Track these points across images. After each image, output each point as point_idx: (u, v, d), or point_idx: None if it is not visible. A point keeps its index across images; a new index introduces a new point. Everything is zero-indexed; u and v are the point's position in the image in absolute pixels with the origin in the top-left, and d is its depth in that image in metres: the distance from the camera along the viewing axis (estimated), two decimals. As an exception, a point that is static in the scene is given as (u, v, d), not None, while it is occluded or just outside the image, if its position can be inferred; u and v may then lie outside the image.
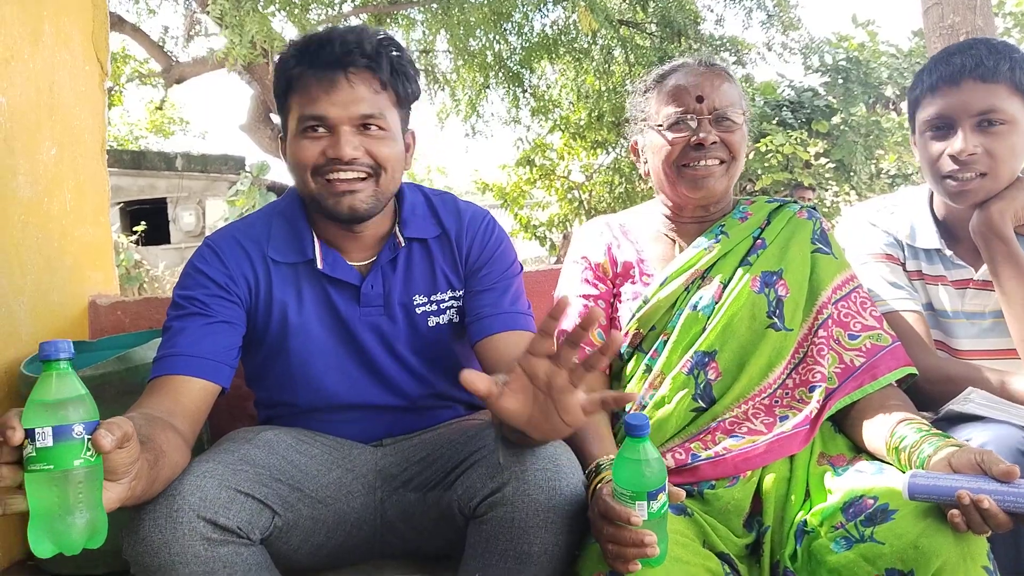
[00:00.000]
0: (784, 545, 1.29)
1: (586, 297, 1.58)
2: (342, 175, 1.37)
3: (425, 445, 1.49)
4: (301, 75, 1.36)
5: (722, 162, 1.49)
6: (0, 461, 0.90)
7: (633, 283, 1.56)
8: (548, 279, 2.17)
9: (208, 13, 9.15)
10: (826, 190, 11.90)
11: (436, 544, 1.45)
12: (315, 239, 1.48)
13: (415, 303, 1.51)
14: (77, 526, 0.90)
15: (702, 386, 1.44)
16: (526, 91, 12.33)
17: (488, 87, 12.18)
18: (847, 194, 12.15)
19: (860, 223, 1.74)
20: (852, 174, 11.33)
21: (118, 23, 10.27)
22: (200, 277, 1.43)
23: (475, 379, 1.04)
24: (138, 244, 9.33)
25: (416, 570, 1.52)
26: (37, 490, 0.89)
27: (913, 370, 1.46)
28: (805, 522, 1.28)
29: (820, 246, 1.54)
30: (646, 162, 1.61)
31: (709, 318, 1.46)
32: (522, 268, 1.60)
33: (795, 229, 1.54)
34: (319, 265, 1.46)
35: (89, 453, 0.91)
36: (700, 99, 1.48)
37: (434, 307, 1.52)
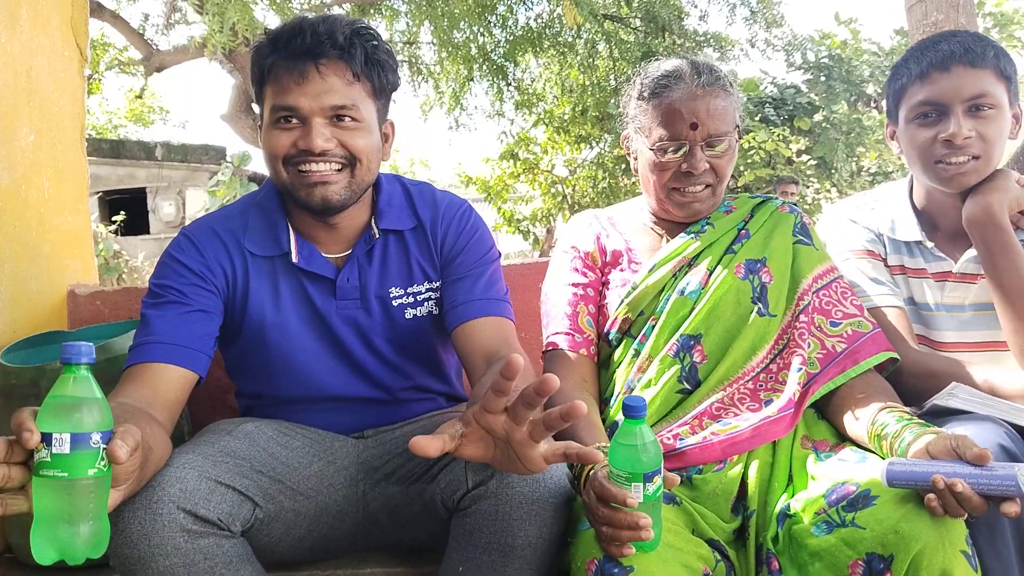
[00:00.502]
0: (767, 528, 1.32)
1: (575, 285, 1.60)
2: (314, 166, 1.36)
3: (407, 437, 1.48)
4: (273, 65, 1.35)
5: (708, 186, 1.53)
6: (10, 460, 0.88)
7: (622, 271, 1.59)
8: (532, 272, 2.16)
9: (188, 0, 9.06)
10: (807, 187, 11.98)
11: (419, 537, 1.45)
12: (291, 231, 1.47)
13: (391, 295, 1.50)
14: (83, 535, 0.88)
15: (687, 368, 1.46)
16: (510, 84, 12.31)
17: (472, 80, 12.14)
18: (828, 191, 12.24)
19: (841, 220, 1.76)
20: (833, 171, 11.41)
21: (97, 9, 10.12)
22: (176, 266, 1.42)
23: (425, 445, 1.00)
24: (117, 234, 9.23)
25: (399, 563, 1.52)
26: (45, 495, 0.87)
27: (894, 354, 1.48)
28: (788, 506, 1.30)
29: (801, 237, 1.58)
30: (636, 159, 1.62)
31: (696, 302, 1.49)
32: (499, 255, 1.60)
33: (778, 221, 1.59)
34: (294, 259, 1.45)
35: (103, 463, 0.89)
36: (694, 126, 1.47)
37: (411, 299, 1.52)
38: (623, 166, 11.81)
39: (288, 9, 9.22)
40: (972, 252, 1.60)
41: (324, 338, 1.49)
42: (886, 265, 1.69)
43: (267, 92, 1.38)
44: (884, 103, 1.72)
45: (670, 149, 1.50)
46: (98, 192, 12.35)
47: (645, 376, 1.48)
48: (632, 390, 1.49)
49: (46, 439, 0.86)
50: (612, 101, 10.59)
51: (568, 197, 12.93)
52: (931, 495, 1.11)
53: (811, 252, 1.56)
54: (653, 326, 1.51)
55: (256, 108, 1.49)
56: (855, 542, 1.15)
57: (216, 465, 1.25)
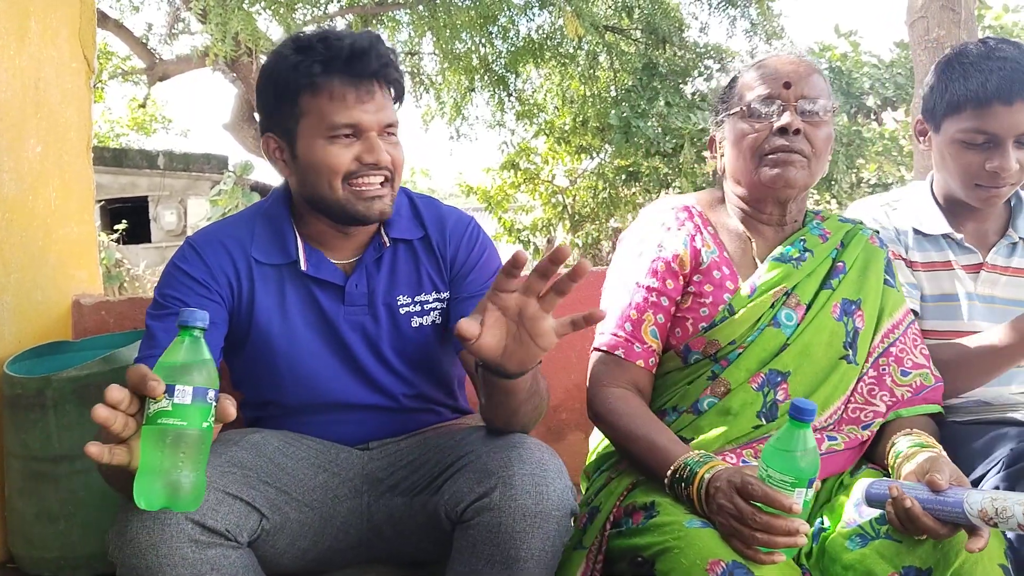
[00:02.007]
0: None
1: (650, 290, 1.46)
2: (372, 178, 1.39)
3: (412, 449, 1.48)
4: (329, 81, 1.35)
5: (803, 155, 1.42)
6: (127, 411, 0.91)
7: (716, 286, 1.46)
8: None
9: (191, 9, 9.10)
10: (808, 198, 11.97)
11: (423, 549, 1.44)
12: (298, 239, 1.47)
13: (399, 303, 1.51)
14: (190, 484, 0.94)
15: (768, 405, 1.40)
16: (511, 95, 12.35)
17: (473, 90, 12.19)
18: (827, 203, 12.25)
19: (863, 220, 1.75)
20: (833, 183, 11.42)
21: (101, 19, 10.15)
22: (181, 276, 1.42)
23: (467, 325, 1.06)
24: (119, 243, 9.24)
25: (402, 575, 1.52)
26: (159, 444, 0.92)
27: (940, 409, 1.47)
28: (822, 520, 1.29)
29: (887, 278, 1.52)
30: (722, 155, 1.54)
31: (789, 338, 1.42)
32: None
33: (870, 256, 1.51)
34: (303, 267, 1.45)
35: (212, 418, 0.95)
36: (787, 85, 1.41)
37: (417, 308, 1.52)
38: (623, 176, 11.83)
39: (292, 21, 9.26)
40: (1001, 245, 1.65)
41: (331, 344, 1.49)
42: (908, 264, 1.68)
43: (312, 107, 1.37)
44: (924, 95, 1.67)
45: (763, 107, 1.43)
46: (100, 201, 12.33)
47: (722, 403, 1.40)
48: (701, 412, 1.41)
49: (169, 390, 0.92)
50: (613, 112, 10.61)
51: (568, 207, 12.95)
52: (888, 505, 1.14)
53: (895, 295, 1.50)
54: (739, 353, 1.42)
55: (258, 118, 1.49)
56: (891, 555, 1.14)
57: (224, 476, 1.25)
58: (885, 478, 1.21)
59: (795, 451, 1.06)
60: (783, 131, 1.40)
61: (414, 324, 1.52)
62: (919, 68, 4.67)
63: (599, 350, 1.47)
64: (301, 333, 1.48)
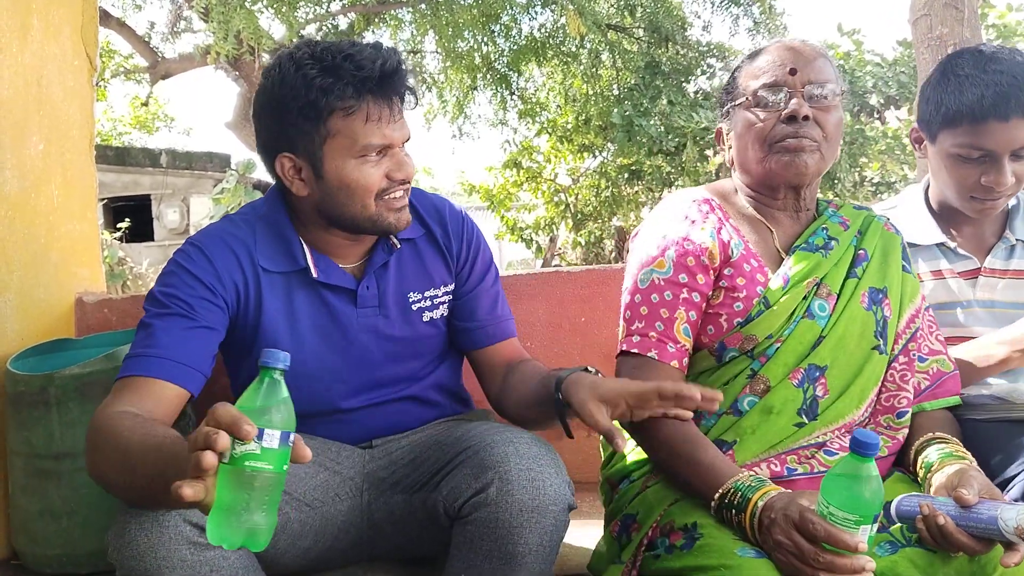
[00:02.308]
0: None
1: (681, 286, 1.40)
2: (400, 192, 1.41)
3: (413, 447, 1.48)
4: (362, 104, 1.33)
5: (814, 140, 1.38)
6: (214, 448, 0.89)
7: (747, 279, 1.41)
8: (538, 282, 2.17)
9: (193, 8, 9.11)
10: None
11: (423, 546, 1.45)
12: (304, 246, 1.46)
13: (411, 300, 1.52)
14: (268, 524, 0.94)
15: (808, 401, 1.36)
16: (513, 93, 12.36)
17: (476, 89, 12.20)
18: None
19: None
20: (836, 181, 11.41)
21: (103, 17, 10.18)
22: (186, 276, 1.39)
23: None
24: (122, 241, 9.25)
25: (403, 573, 1.52)
26: (242, 486, 0.92)
27: (959, 401, 1.46)
28: None
29: (905, 264, 1.49)
30: (730, 147, 1.51)
31: (824, 330, 1.38)
32: (497, 269, 1.66)
33: (888, 243, 1.49)
34: (314, 274, 1.44)
35: (289, 460, 0.95)
36: (793, 71, 1.38)
37: (428, 303, 1.54)
38: (626, 175, 11.82)
39: (294, 19, 9.26)
40: (998, 248, 1.65)
41: (342, 348, 1.49)
42: None
43: (347, 129, 1.34)
44: (919, 104, 1.67)
45: (769, 95, 1.40)
46: (103, 199, 12.37)
47: (764, 401, 1.35)
48: (742, 413, 1.36)
49: (258, 434, 0.91)
50: (615, 110, 10.61)
51: (571, 206, 12.95)
52: (919, 522, 1.12)
53: (913, 282, 1.47)
54: (777, 348, 1.36)
55: (261, 135, 1.43)
56: (924, 564, 1.12)
57: None
58: (915, 494, 1.18)
59: (859, 486, 1.01)
60: (792, 119, 1.37)
61: (425, 319, 1.54)
62: (922, 66, 4.66)
63: (629, 353, 1.39)
64: (308, 339, 1.47)
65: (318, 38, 6.74)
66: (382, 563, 1.54)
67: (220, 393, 1.49)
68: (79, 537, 1.71)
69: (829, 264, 1.41)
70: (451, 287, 1.57)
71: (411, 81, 1.40)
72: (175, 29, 11.22)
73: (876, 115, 13.11)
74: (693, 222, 1.44)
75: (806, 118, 1.36)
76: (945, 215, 1.70)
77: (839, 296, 1.40)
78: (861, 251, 1.44)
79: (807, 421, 1.34)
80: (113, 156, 13.12)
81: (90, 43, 2.32)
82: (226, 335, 1.43)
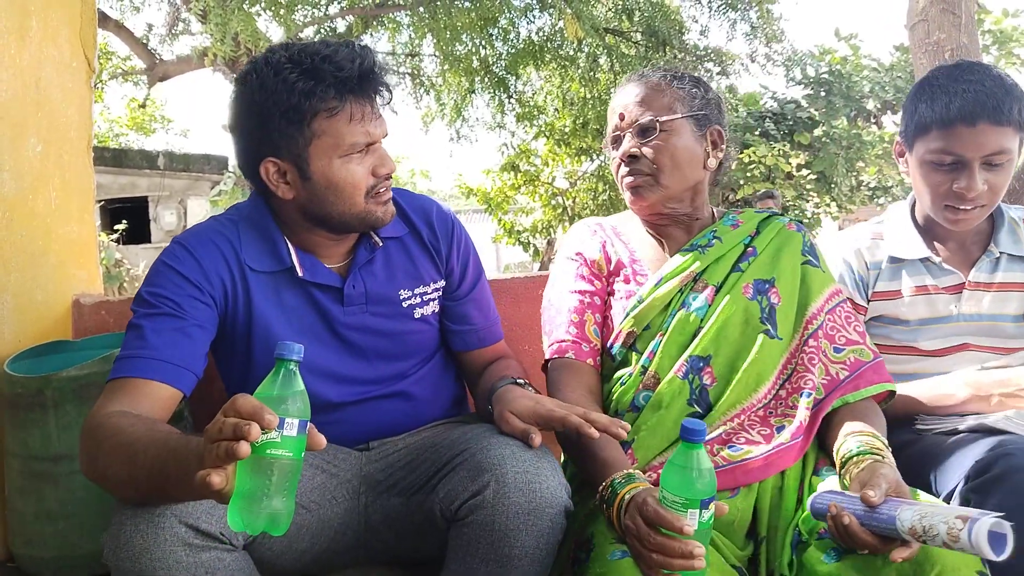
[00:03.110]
0: (780, 555, 1.29)
1: (582, 293, 1.56)
2: (385, 186, 1.43)
3: (410, 450, 1.48)
4: (344, 105, 1.35)
5: (646, 174, 1.52)
6: (248, 437, 0.91)
7: (627, 282, 1.56)
8: (536, 285, 2.17)
9: (191, 10, 9.11)
10: (807, 201, 12.00)
11: (420, 549, 1.44)
12: (289, 246, 1.47)
13: (401, 297, 1.53)
14: (288, 510, 0.98)
15: (697, 391, 1.42)
16: (511, 97, 12.36)
17: (473, 92, 12.20)
18: (827, 205, 12.27)
19: (834, 257, 1.77)
20: (833, 186, 11.44)
21: (101, 19, 10.12)
22: (173, 275, 1.38)
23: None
24: (119, 243, 9.23)
25: (400, 575, 1.52)
26: (263, 473, 0.96)
27: (893, 386, 1.48)
28: (799, 532, 1.29)
29: (810, 258, 1.55)
30: None
31: (703, 321, 1.46)
32: (483, 270, 1.69)
33: (785, 240, 1.55)
34: (300, 273, 1.45)
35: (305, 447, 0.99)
36: (622, 116, 1.54)
37: (418, 299, 1.55)
38: (623, 179, 11.83)
39: (292, 22, 9.26)
40: (983, 261, 1.66)
41: (332, 346, 1.50)
42: (867, 302, 1.72)
43: (331, 129, 1.35)
44: (901, 118, 1.72)
45: (613, 143, 1.58)
46: (100, 201, 12.31)
47: (654, 396, 1.43)
48: (640, 409, 1.44)
49: (279, 423, 0.95)
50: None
51: (568, 209, 12.96)
52: (829, 519, 1.15)
53: (818, 274, 1.53)
54: (660, 342, 1.46)
55: (240, 142, 1.43)
56: (867, 569, 1.13)
57: None
58: (830, 490, 1.22)
59: (687, 471, 1.05)
60: (624, 160, 1.54)
61: (417, 315, 1.55)
62: (919, 71, 4.66)
63: (550, 359, 1.54)
64: (299, 338, 1.46)
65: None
66: (379, 566, 1.54)
67: (217, 396, 1.50)
68: (75, 539, 1.70)
69: (709, 260, 1.51)
70: (441, 284, 1.59)
71: (386, 78, 1.42)
72: (173, 31, 11.21)
73: (873, 120, 13.16)
74: (586, 239, 1.64)
75: (632, 157, 1.52)
76: (931, 230, 1.71)
77: (720, 289, 1.48)
78: (751, 248, 1.54)
79: (702, 411, 1.42)
80: (110, 158, 13.09)
81: (88, 45, 2.32)
82: (217, 334, 1.43)
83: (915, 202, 1.75)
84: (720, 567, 1.21)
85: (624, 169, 1.55)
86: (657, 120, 1.50)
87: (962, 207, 1.58)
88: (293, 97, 1.33)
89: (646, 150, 1.51)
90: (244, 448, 0.90)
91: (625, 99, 1.55)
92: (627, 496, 1.18)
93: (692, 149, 1.53)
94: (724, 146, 1.60)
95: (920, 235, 1.70)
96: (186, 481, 0.99)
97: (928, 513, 1.04)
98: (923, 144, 1.60)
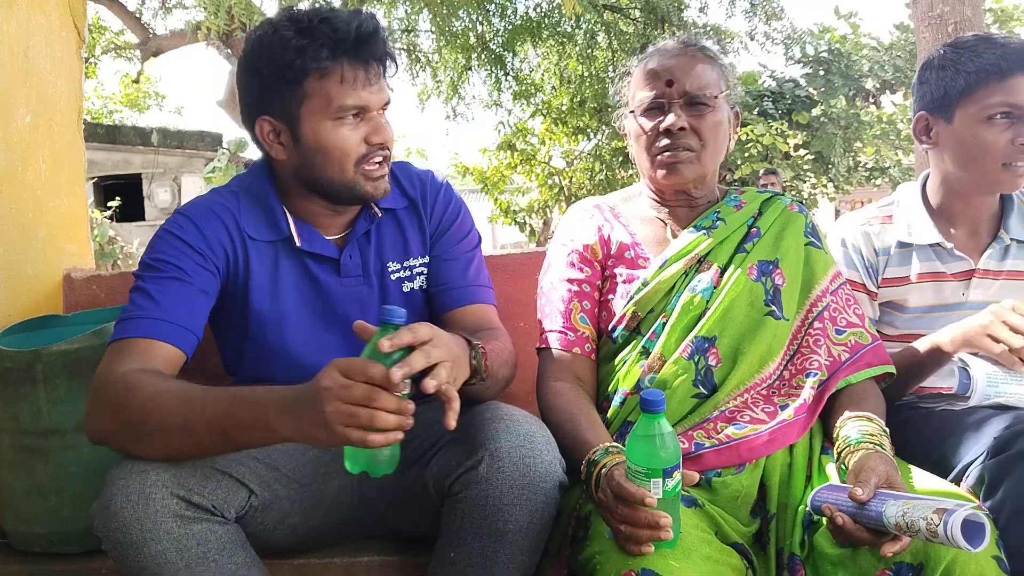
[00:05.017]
0: (791, 533, 1.29)
1: (570, 281, 1.55)
2: (378, 159, 1.41)
3: None
4: (337, 65, 1.34)
5: (691, 150, 1.47)
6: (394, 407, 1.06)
7: (629, 266, 1.53)
8: (532, 262, 2.15)
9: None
10: (804, 182, 11.98)
11: (414, 524, 1.45)
12: (288, 216, 1.46)
13: (390, 270, 1.53)
14: (396, 451, 1.13)
15: (702, 372, 1.42)
16: (508, 74, 12.28)
17: (470, 69, 12.11)
18: (824, 186, 12.24)
19: (835, 241, 1.74)
20: (830, 166, 11.41)
21: (93, -7, 10.06)
22: (176, 242, 1.39)
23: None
24: (112, 220, 9.17)
25: (393, 551, 1.52)
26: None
27: (892, 368, 1.48)
28: (809, 513, 1.28)
29: (812, 240, 1.54)
30: (631, 146, 1.61)
31: (708, 302, 1.45)
32: (480, 239, 1.63)
33: (788, 220, 1.54)
34: (297, 242, 1.45)
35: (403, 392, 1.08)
36: (670, 83, 1.46)
37: (407, 273, 1.54)
38: (620, 158, 11.79)
39: (286, -6, 9.16)
40: (992, 249, 1.62)
41: (326, 317, 1.49)
42: (884, 282, 1.69)
43: (322, 90, 1.34)
44: (919, 92, 1.66)
45: (649, 108, 1.49)
46: (93, 178, 12.27)
47: (659, 377, 1.43)
48: (643, 390, 1.41)
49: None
50: (611, 92, 10.56)
51: (565, 189, 12.91)
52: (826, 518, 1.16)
53: (822, 256, 1.53)
54: (664, 324, 1.46)
55: (242, 99, 1.43)
56: (877, 552, 1.13)
57: None
58: (831, 484, 1.24)
59: (648, 442, 1.06)
60: (669, 132, 1.46)
61: (405, 289, 1.54)
62: (922, 46, 4.63)
63: (540, 349, 1.55)
64: (293, 308, 1.47)
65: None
66: (373, 541, 1.54)
67: (211, 370, 1.48)
68: (67, 515, 1.69)
69: (714, 241, 1.49)
70: (427, 259, 1.57)
71: (390, 46, 1.40)
72: (166, 4, 11.09)
73: (871, 99, 13.11)
74: (580, 224, 1.60)
75: (682, 129, 1.45)
76: (943, 214, 1.68)
77: (725, 270, 1.47)
78: (755, 229, 1.52)
79: (707, 392, 1.42)
80: (104, 134, 12.97)
81: (77, 14, 2.28)
82: (216, 302, 1.43)
83: (926, 184, 1.71)
84: (713, 544, 1.20)
85: (664, 141, 1.47)
86: (712, 94, 1.46)
87: (1022, 163, 1.52)
88: (287, 55, 1.33)
89: (695, 122, 1.46)
90: (376, 438, 1.05)
91: (676, 64, 1.47)
92: (602, 470, 1.19)
93: (727, 128, 1.52)
94: (739, 126, 1.59)
95: (932, 219, 1.66)
96: (260, 426, 1.11)
97: (910, 508, 1.05)
98: (974, 103, 1.54)
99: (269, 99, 1.38)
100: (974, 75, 1.52)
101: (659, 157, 1.49)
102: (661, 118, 1.47)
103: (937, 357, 1.52)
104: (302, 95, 1.35)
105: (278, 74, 1.35)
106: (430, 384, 1.10)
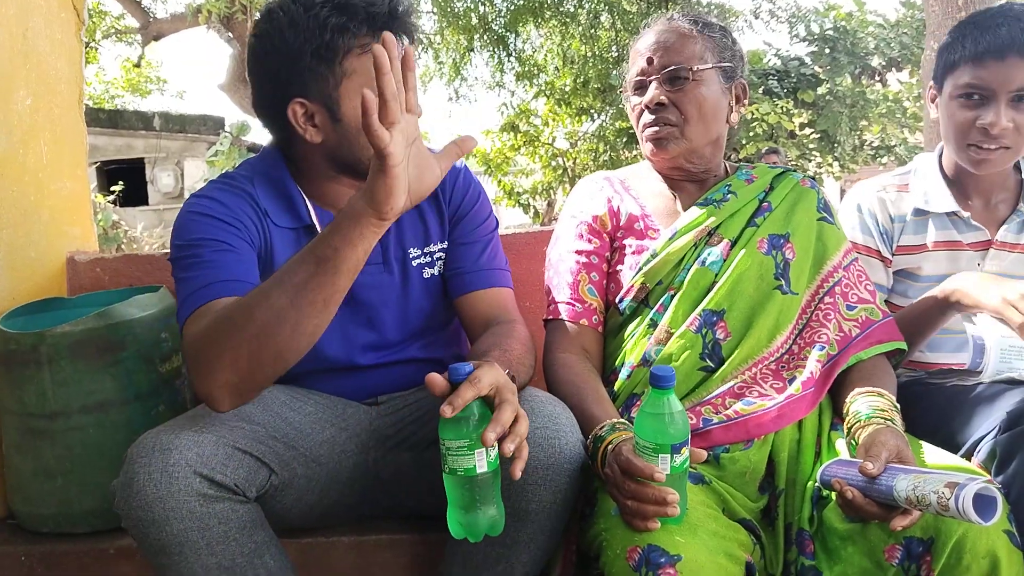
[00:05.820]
0: (800, 509, 1.29)
1: (579, 252, 1.55)
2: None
3: (420, 404, 1.48)
4: (376, 41, 1.30)
5: (672, 124, 1.48)
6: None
7: (639, 237, 1.53)
8: (538, 241, 2.14)
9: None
10: (809, 161, 11.92)
11: (430, 503, 1.43)
12: (307, 202, 1.44)
13: (411, 256, 1.51)
14: (500, 512, 1.13)
15: (710, 345, 1.41)
16: (511, 55, 12.22)
17: (472, 50, 12.06)
18: (830, 165, 12.19)
19: (850, 207, 1.73)
20: (836, 145, 11.35)
21: (93, -24, 10.00)
22: (208, 219, 1.33)
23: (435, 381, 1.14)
24: (115, 204, 9.17)
25: (408, 529, 1.53)
26: (457, 487, 1.10)
27: (903, 344, 1.48)
28: (818, 488, 1.28)
29: (825, 215, 1.54)
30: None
31: (717, 275, 1.44)
32: (497, 223, 1.62)
33: (800, 195, 1.54)
34: (319, 229, 1.41)
35: (492, 455, 1.09)
36: (650, 61, 1.48)
37: (427, 259, 1.52)
38: (624, 139, 11.73)
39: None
40: (1012, 222, 1.63)
41: (349, 306, 1.45)
42: (899, 250, 1.67)
43: (363, 68, 1.32)
44: (936, 61, 1.68)
45: (637, 86, 1.52)
46: (95, 162, 12.27)
47: (665, 349, 1.42)
48: (649, 362, 1.43)
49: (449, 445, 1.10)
50: (614, 72, 10.49)
51: (569, 170, 12.87)
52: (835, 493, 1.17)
53: (834, 231, 1.52)
54: (672, 296, 1.45)
55: (266, 85, 1.38)
56: (887, 526, 1.13)
57: (233, 431, 1.24)
58: (840, 459, 1.23)
59: (656, 418, 1.07)
60: (650, 107, 1.49)
61: (425, 275, 1.52)
62: (931, 18, 4.57)
63: (548, 319, 1.55)
64: None
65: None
66: (387, 520, 1.55)
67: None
68: (74, 496, 1.69)
69: (724, 215, 1.48)
70: (445, 244, 1.55)
71: (416, 20, 1.39)
72: (166, -12, 11.02)
73: (877, 77, 13.00)
74: (590, 196, 1.61)
75: (661, 104, 1.47)
76: (959, 183, 1.68)
77: (735, 244, 1.47)
78: (766, 203, 1.52)
79: (714, 365, 1.41)
80: (106, 119, 12.98)
81: (77, -5, 2.26)
82: None
83: (943, 152, 1.71)
84: (719, 520, 1.20)
85: (648, 117, 1.50)
86: (689, 68, 1.46)
87: (985, 146, 1.54)
88: (326, 34, 1.30)
89: (676, 97, 1.47)
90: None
91: (653, 43, 1.49)
92: (609, 446, 1.19)
93: (718, 102, 1.50)
94: (747, 101, 1.57)
95: (948, 188, 1.66)
96: (344, 226, 1.08)
97: (921, 482, 1.05)
98: (952, 80, 1.59)
99: (305, 81, 1.33)
100: (956, 56, 1.57)
101: (645, 132, 1.52)
102: (643, 96, 1.50)
103: (944, 309, 1.51)
104: (341, 74, 1.32)
105: (316, 54, 1.31)
106: (508, 448, 1.08)
